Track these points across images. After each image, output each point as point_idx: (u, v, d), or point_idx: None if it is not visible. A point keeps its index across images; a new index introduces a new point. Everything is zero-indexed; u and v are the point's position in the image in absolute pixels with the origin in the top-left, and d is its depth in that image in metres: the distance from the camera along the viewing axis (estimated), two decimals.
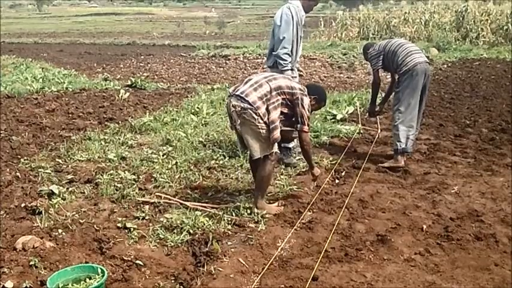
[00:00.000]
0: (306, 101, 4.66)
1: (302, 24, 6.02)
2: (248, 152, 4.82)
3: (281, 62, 5.83)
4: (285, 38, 5.81)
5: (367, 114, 7.20)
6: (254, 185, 4.90)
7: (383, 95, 7.15)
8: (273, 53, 5.94)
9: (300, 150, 5.56)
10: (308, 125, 4.70)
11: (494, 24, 22.26)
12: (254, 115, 4.40)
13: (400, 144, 5.95)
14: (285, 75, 5.16)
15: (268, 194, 4.99)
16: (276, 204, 4.82)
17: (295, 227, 4.36)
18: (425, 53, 8.27)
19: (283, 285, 3.50)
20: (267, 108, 4.44)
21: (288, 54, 5.84)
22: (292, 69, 5.96)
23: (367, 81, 13.28)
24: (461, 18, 22.78)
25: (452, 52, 18.08)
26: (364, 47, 6.68)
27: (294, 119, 4.68)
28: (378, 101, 6.95)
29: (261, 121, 4.43)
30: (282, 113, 4.59)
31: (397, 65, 5.96)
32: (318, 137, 7.05)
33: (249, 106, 4.39)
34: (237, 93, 4.49)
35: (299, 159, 6.10)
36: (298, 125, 4.65)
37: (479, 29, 21.96)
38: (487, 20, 22.29)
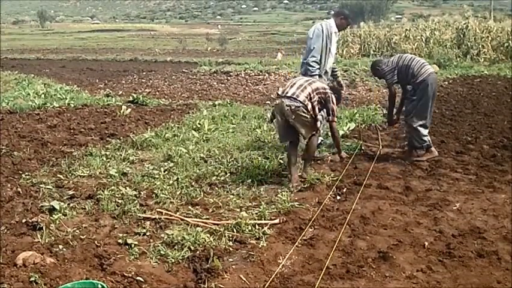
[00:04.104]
0: (334, 98, 6.08)
1: (332, 40, 6.98)
2: (283, 144, 6.70)
3: (309, 68, 6.87)
4: (314, 48, 6.87)
5: (387, 123, 8.00)
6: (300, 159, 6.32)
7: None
8: (304, 61, 7.00)
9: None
10: (336, 117, 6.25)
11: (495, 41, 22.37)
12: (305, 110, 5.82)
13: (422, 142, 6.86)
14: (318, 79, 6.46)
15: (269, 211, 5.00)
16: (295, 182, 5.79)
17: (296, 244, 4.34)
18: None
19: None
20: (311, 105, 5.85)
21: (316, 62, 6.86)
22: (320, 76, 6.88)
23: (368, 97, 13.32)
24: (462, 35, 22.90)
25: (453, 69, 18.15)
26: (373, 64, 7.32)
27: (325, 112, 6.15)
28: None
29: (308, 114, 5.84)
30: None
31: (412, 76, 6.74)
32: (319, 153, 7.04)
33: (301, 104, 5.80)
34: (288, 95, 5.87)
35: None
36: (330, 117, 6.12)
37: (480, 46, 22.05)
38: (487, 37, 22.40)
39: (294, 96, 5.83)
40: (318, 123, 5.99)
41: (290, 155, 6.01)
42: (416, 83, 6.72)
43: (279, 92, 6.08)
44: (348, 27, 7.47)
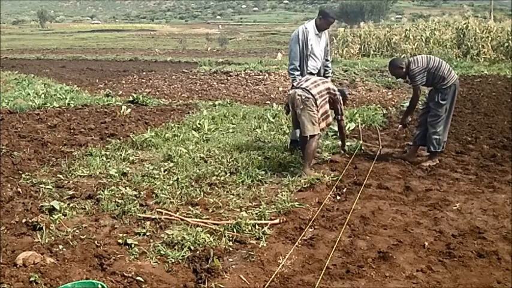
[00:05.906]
0: (341, 99, 6.56)
1: (308, 43, 6.85)
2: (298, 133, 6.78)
3: (289, 76, 7.09)
4: (292, 55, 6.92)
5: (401, 126, 7.49)
6: (302, 158, 6.54)
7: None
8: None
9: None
10: (343, 115, 6.75)
11: (495, 41, 22.37)
12: (313, 103, 6.17)
13: (439, 147, 6.78)
14: (330, 80, 6.77)
15: (269, 211, 5.00)
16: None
17: (296, 244, 4.34)
18: None
19: None
20: (321, 101, 6.25)
21: (296, 69, 6.90)
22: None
23: (368, 97, 13.31)
24: (462, 35, 22.92)
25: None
26: (394, 63, 6.89)
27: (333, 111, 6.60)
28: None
29: (315, 109, 6.19)
30: None
31: (441, 80, 6.66)
32: (319, 153, 7.04)
33: (311, 97, 6.17)
34: (302, 86, 6.28)
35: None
36: (339, 116, 6.63)
37: (480, 46, 22.05)
38: (487, 37, 22.40)
39: (307, 89, 6.24)
40: (329, 119, 6.45)
41: (302, 142, 6.48)
42: (446, 87, 6.66)
43: (294, 84, 6.52)
44: (329, 26, 7.08)
